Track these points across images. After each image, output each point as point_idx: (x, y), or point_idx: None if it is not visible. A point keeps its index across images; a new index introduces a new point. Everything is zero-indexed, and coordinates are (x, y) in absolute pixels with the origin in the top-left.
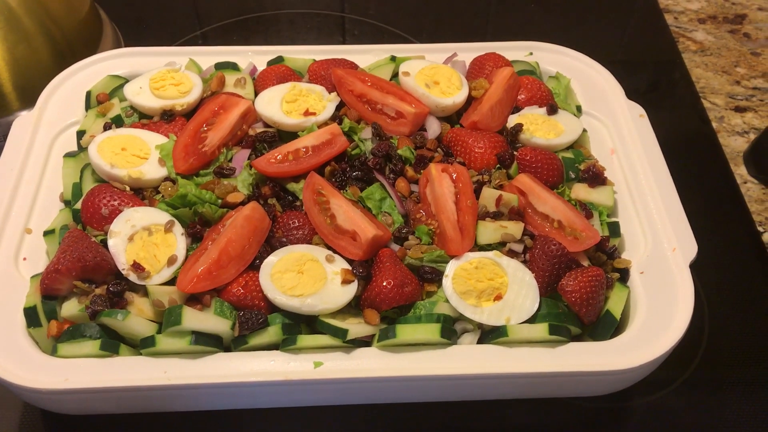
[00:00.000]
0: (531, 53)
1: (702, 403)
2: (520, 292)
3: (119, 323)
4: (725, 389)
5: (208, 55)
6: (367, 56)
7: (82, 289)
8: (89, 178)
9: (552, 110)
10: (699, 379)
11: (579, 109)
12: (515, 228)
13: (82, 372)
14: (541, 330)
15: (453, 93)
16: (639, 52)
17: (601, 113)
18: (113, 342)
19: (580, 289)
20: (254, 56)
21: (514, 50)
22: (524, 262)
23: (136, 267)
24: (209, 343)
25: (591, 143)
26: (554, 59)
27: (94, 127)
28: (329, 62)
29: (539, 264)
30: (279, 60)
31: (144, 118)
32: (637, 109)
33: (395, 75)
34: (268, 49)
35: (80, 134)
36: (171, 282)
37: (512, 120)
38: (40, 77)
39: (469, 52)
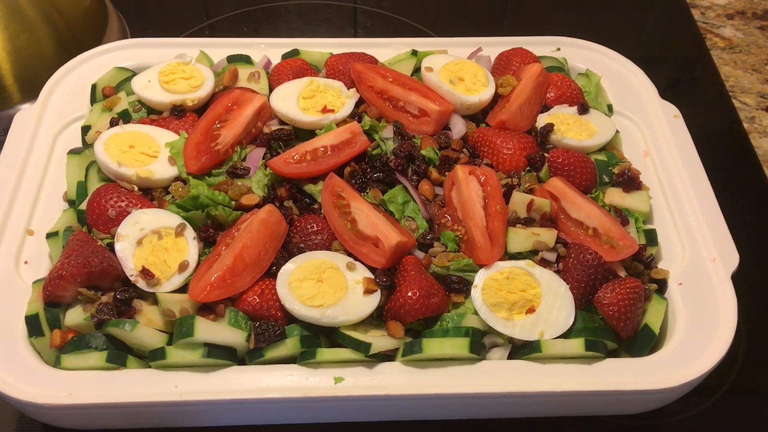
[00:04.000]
0: (558, 49)
1: (738, 421)
2: (554, 304)
3: (127, 334)
4: (764, 406)
5: (220, 47)
6: (387, 50)
7: (88, 296)
8: (95, 176)
9: (583, 109)
10: (735, 395)
11: (610, 108)
12: (548, 235)
13: (87, 386)
14: (576, 345)
15: (479, 90)
16: (663, 48)
17: (633, 113)
18: (120, 353)
19: (618, 302)
20: (268, 49)
21: (541, 45)
22: (557, 272)
23: (145, 273)
24: (223, 355)
25: (623, 145)
26: (583, 55)
27: (100, 122)
28: (348, 56)
29: (574, 274)
30: (294, 53)
31: (153, 114)
32: (672, 110)
33: (417, 70)
34: (282, 42)
35: (85, 129)
36: (182, 290)
37: (541, 119)
38: (43, 69)
39: (494, 46)
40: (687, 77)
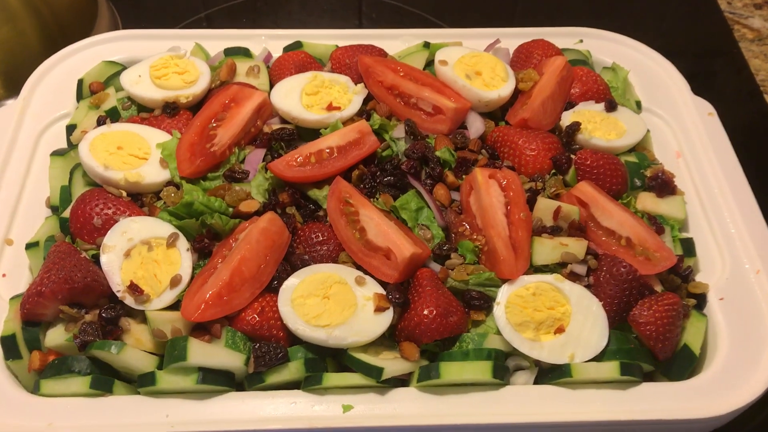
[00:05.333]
0: (581, 40)
1: None
2: (585, 323)
3: (113, 357)
4: None
5: (217, 40)
6: (397, 42)
7: (70, 314)
8: (80, 180)
9: (611, 106)
10: None
11: (638, 105)
12: (577, 246)
13: (69, 415)
14: (610, 369)
15: (498, 85)
16: (685, 39)
17: (663, 110)
18: (106, 378)
19: (655, 320)
20: (269, 41)
21: (562, 37)
22: (587, 286)
23: (134, 289)
24: (219, 381)
25: (653, 145)
26: (608, 48)
27: (87, 120)
28: (355, 49)
29: (606, 290)
30: (297, 45)
31: (143, 112)
32: (705, 107)
33: (429, 64)
34: (284, 33)
35: (70, 129)
36: (174, 307)
37: (566, 117)
38: (27, 62)
39: (512, 38)
40: (712, 71)
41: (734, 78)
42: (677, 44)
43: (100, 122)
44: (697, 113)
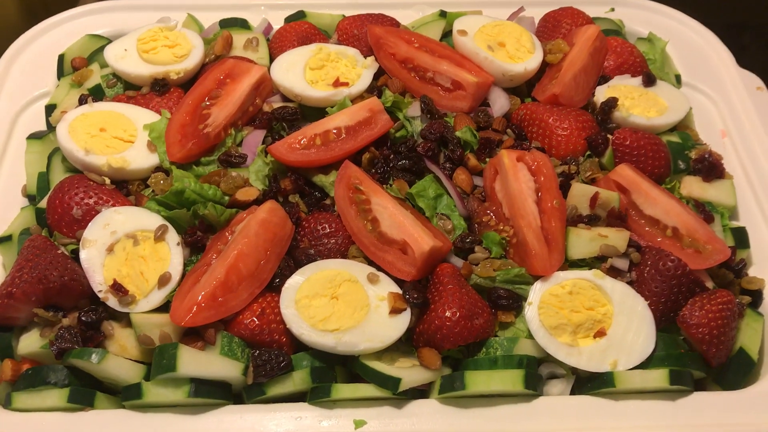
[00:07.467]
0: (613, 9)
1: None
2: (629, 326)
3: (94, 366)
4: None
5: (212, 10)
6: (410, 11)
7: (46, 318)
8: (59, 166)
9: (649, 80)
10: None
11: (678, 79)
12: (618, 237)
13: None
14: (658, 378)
15: (524, 57)
16: (713, 10)
17: (706, 85)
18: (87, 391)
19: (708, 322)
20: (268, 11)
21: (592, 5)
22: (630, 283)
23: (117, 288)
24: (214, 393)
25: (696, 123)
26: (642, 17)
27: (68, 100)
28: (363, 18)
29: (651, 287)
30: (300, 15)
31: (130, 89)
32: (753, 80)
33: (447, 34)
34: (285, 3)
35: (50, 109)
36: (163, 309)
37: (600, 93)
38: (3, 35)
39: (538, 6)
40: (741, 44)
41: (765, 51)
42: (702, 15)
43: (82, 101)
44: (744, 88)
